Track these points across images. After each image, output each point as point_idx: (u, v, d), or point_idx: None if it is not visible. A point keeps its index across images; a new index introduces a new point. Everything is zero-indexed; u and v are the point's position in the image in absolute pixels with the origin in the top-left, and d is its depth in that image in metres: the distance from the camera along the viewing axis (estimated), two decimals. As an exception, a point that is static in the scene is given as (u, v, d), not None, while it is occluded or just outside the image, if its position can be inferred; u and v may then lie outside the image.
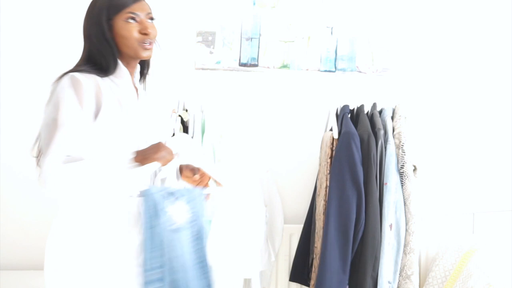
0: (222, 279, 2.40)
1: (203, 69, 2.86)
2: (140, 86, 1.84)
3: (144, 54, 1.74)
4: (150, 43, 1.74)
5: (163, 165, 1.66)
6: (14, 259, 2.81)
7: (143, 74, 1.88)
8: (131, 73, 1.79)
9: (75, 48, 1.83)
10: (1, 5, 2.76)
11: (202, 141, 2.42)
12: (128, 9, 1.70)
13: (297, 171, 2.92)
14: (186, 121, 2.52)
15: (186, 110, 2.56)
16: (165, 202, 1.69)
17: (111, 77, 1.72)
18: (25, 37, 2.79)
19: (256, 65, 2.88)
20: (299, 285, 2.83)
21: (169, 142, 1.74)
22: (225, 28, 2.86)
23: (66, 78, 1.63)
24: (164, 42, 2.77)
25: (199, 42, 2.85)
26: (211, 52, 2.85)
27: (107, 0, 1.71)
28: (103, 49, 1.71)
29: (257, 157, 2.65)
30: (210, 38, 2.85)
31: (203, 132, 2.44)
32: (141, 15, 1.71)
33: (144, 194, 1.68)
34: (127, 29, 1.70)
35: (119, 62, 1.74)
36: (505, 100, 2.99)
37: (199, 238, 1.75)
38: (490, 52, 2.97)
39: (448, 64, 2.96)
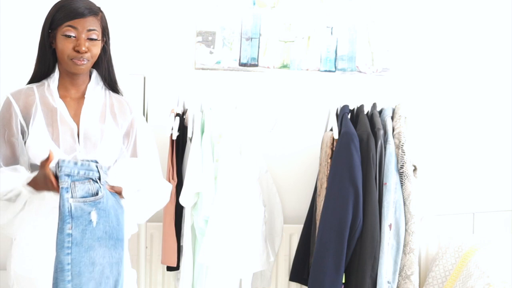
0: (216, 278, 2.40)
1: (203, 69, 2.86)
2: (94, 95, 1.85)
3: (73, 70, 1.77)
4: (83, 60, 1.76)
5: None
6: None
7: (106, 83, 1.89)
8: (75, 83, 1.82)
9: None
10: (1, 5, 2.76)
11: (201, 140, 2.42)
12: (68, 23, 1.74)
13: (297, 171, 2.92)
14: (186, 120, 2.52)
15: (184, 113, 2.56)
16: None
17: (47, 84, 1.81)
18: (25, 37, 2.79)
19: (256, 65, 2.88)
20: (299, 285, 2.83)
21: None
22: (225, 28, 2.86)
23: (3, 100, 1.78)
24: (164, 42, 2.82)
25: (199, 42, 2.85)
26: (211, 52, 2.85)
27: (53, 11, 1.78)
28: (41, 57, 1.81)
29: (256, 157, 2.65)
30: (210, 38, 2.85)
31: (202, 132, 2.44)
32: (81, 32, 1.74)
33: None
34: (62, 43, 1.75)
35: (56, 71, 1.81)
36: (505, 100, 2.99)
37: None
38: (490, 52, 2.97)
39: (448, 64, 2.96)
